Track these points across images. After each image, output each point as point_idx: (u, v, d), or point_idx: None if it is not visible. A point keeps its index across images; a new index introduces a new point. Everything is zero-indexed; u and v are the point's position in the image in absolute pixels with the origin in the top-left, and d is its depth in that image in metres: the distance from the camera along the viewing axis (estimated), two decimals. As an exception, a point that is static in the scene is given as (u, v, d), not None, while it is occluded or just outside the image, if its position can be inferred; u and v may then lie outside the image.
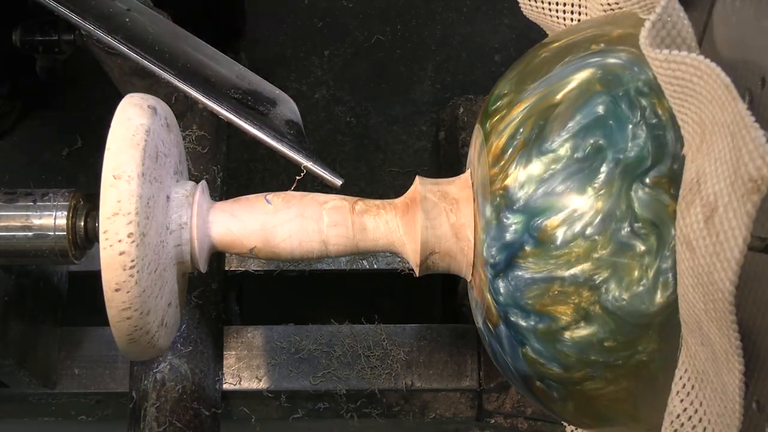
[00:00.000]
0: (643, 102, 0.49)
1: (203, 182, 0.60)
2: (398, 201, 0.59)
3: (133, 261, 0.52)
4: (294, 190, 0.61)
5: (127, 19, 0.77)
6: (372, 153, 1.44)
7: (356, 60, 1.50)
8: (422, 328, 0.92)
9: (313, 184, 0.66)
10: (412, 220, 0.57)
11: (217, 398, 0.87)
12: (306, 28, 1.51)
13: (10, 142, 1.50)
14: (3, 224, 0.63)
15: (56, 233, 0.62)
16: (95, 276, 0.53)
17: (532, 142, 0.51)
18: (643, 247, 0.47)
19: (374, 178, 1.42)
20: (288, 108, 0.80)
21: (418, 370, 0.91)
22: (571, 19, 0.62)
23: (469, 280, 0.58)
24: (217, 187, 0.90)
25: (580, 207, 0.49)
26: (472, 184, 0.57)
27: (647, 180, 0.48)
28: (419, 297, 1.14)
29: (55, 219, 0.62)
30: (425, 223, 0.56)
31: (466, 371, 0.91)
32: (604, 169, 0.48)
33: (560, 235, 0.49)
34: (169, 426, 0.80)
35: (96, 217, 0.61)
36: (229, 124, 0.74)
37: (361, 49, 1.52)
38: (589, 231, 0.48)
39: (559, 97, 0.51)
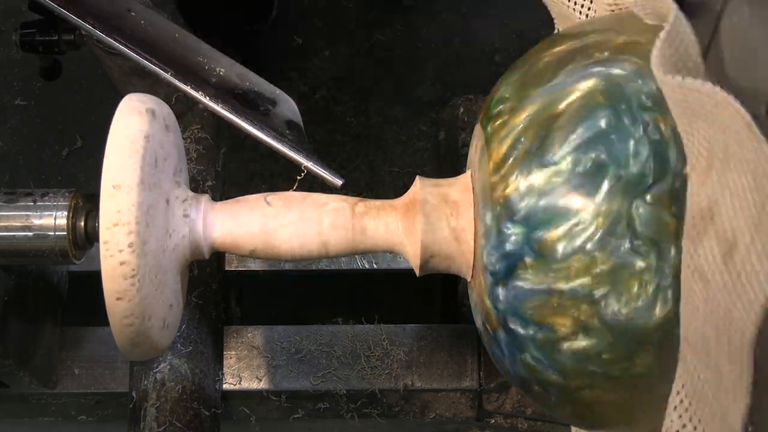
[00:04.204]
0: (646, 117, 0.48)
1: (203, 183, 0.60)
2: (398, 202, 0.59)
3: (134, 270, 0.52)
4: (294, 190, 0.61)
5: (127, 19, 0.77)
6: (372, 153, 1.44)
7: (356, 60, 1.51)
8: (422, 328, 0.92)
9: (313, 184, 0.66)
10: (412, 222, 0.57)
11: (217, 398, 0.87)
12: (306, 28, 1.51)
13: (10, 141, 1.50)
14: (3, 224, 0.63)
15: (56, 233, 0.62)
16: (95, 276, 0.53)
17: (534, 153, 0.51)
18: (642, 264, 0.47)
19: (374, 178, 1.42)
20: (288, 108, 0.80)
21: (418, 370, 0.91)
22: (587, 15, 0.61)
23: (469, 281, 0.58)
24: (217, 188, 0.90)
25: (580, 221, 0.49)
26: (473, 185, 0.57)
27: (648, 197, 0.47)
28: (419, 297, 1.14)
29: (55, 219, 0.62)
30: (425, 224, 0.56)
31: (466, 371, 0.91)
32: (605, 184, 0.48)
33: (560, 248, 0.49)
34: (169, 426, 0.80)
35: (96, 218, 0.61)
36: (229, 125, 0.74)
37: (361, 49, 1.52)
38: (589, 246, 0.48)
39: (561, 107, 0.51)
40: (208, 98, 0.70)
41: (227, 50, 0.82)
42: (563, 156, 0.50)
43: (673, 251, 0.47)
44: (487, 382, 0.90)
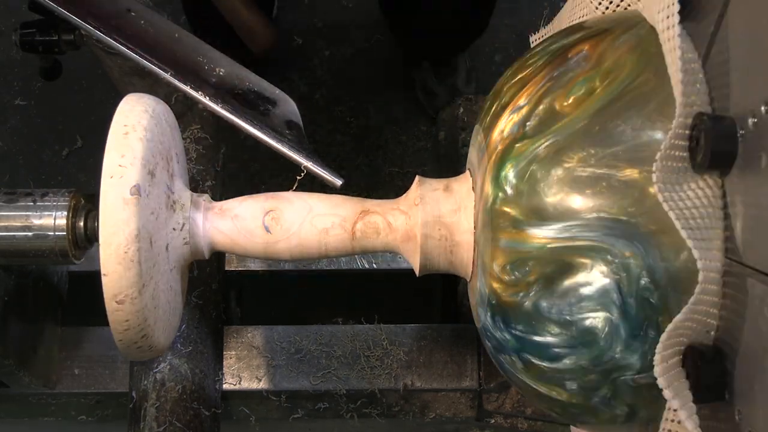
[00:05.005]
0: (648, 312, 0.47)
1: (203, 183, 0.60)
2: (398, 201, 0.59)
3: (135, 273, 0.52)
4: (294, 190, 0.61)
5: (127, 19, 0.77)
6: (372, 153, 1.44)
7: (356, 60, 1.50)
8: (422, 328, 0.92)
9: (313, 184, 0.66)
10: (412, 221, 0.57)
11: (217, 398, 0.87)
12: (306, 28, 1.51)
13: (10, 141, 1.50)
14: (3, 224, 0.63)
15: (56, 233, 0.62)
16: (95, 276, 0.53)
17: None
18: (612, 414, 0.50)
19: (374, 178, 1.42)
20: (288, 108, 0.80)
21: (418, 370, 0.91)
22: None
23: (469, 281, 0.58)
24: (217, 188, 0.90)
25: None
26: (473, 184, 0.57)
27: (630, 377, 0.48)
28: (419, 297, 1.14)
29: (55, 219, 0.62)
30: (425, 223, 0.56)
31: (466, 371, 0.91)
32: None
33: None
34: (169, 426, 0.80)
35: (96, 217, 0.61)
36: (230, 125, 0.74)
37: (361, 49, 1.52)
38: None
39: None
40: (208, 98, 0.69)
41: (227, 50, 0.83)
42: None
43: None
44: (487, 382, 0.90)
